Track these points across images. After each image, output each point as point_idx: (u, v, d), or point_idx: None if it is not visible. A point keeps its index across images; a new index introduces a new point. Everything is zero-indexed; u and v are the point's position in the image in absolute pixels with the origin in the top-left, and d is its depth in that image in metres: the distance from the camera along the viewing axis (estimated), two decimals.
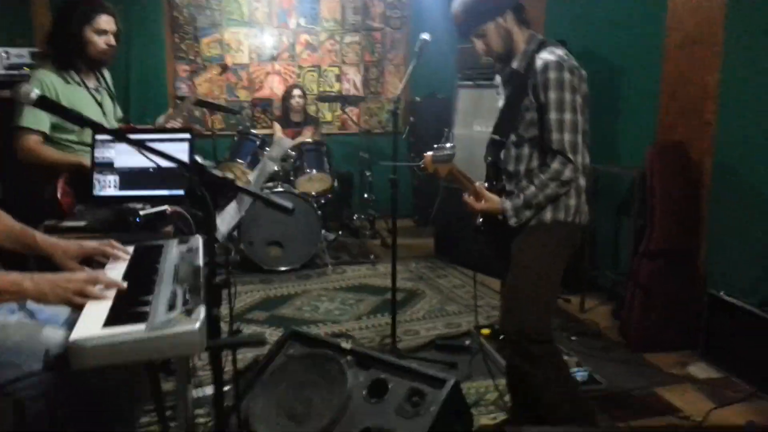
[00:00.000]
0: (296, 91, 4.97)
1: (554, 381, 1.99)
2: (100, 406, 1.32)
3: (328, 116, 5.65)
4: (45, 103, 1.32)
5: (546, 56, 1.92)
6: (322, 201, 4.54)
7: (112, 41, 2.41)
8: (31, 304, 1.44)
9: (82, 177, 2.22)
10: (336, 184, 4.63)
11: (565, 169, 1.90)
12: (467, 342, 3.08)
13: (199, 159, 1.17)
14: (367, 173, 5.07)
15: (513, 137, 2.01)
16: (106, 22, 2.37)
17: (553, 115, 1.90)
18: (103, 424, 1.34)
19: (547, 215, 1.99)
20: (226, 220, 1.65)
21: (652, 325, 3.00)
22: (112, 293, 1.27)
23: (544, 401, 2.01)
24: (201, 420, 2.28)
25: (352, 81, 5.66)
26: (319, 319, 3.44)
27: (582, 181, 1.99)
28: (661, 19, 3.25)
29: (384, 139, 5.53)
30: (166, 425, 1.71)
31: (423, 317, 3.48)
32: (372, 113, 5.76)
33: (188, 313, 1.07)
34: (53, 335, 1.31)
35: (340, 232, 4.99)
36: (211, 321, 1.12)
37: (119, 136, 1.34)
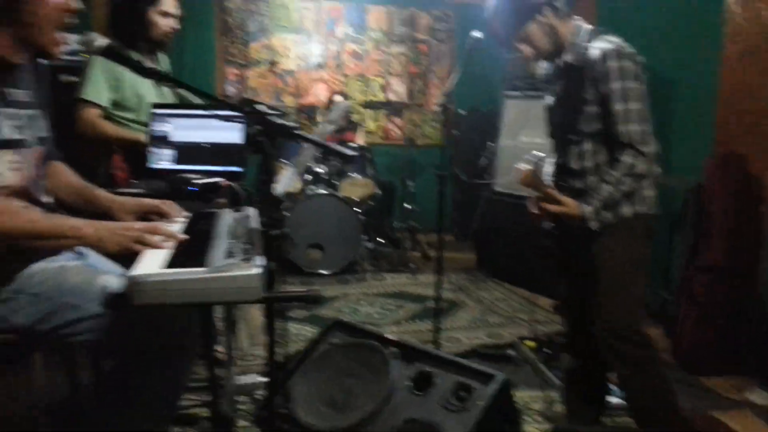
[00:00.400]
0: (338, 98, 5.00)
1: (656, 387, 1.92)
2: (150, 355, 1.29)
3: (372, 126, 5.66)
4: (112, 52, 1.32)
5: (602, 45, 1.84)
6: (364, 207, 4.52)
7: (175, 24, 2.47)
8: (88, 257, 1.43)
9: (137, 154, 2.25)
10: (378, 191, 4.61)
11: (638, 162, 1.81)
12: (511, 352, 2.97)
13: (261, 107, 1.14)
14: (410, 183, 5.03)
15: (573, 134, 1.92)
16: (170, 4, 2.42)
17: (618, 106, 1.81)
18: (151, 372, 1.31)
19: (626, 210, 1.90)
20: (284, 181, 1.63)
21: (707, 345, 2.83)
22: (169, 245, 1.24)
23: (640, 407, 1.94)
24: (243, 407, 2.25)
25: (397, 91, 5.67)
26: (358, 321, 3.38)
27: (656, 169, 1.89)
28: (718, 30, 3.15)
29: (427, 151, 5.50)
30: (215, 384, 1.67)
31: (464, 326, 3.40)
32: (415, 124, 5.74)
33: (248, 259, 1.04)
34: (110, 280, 1.30)
35: (380, 241, 4.95)
36: (268, 274, 1.07)
37: (191, 90, 1.33)
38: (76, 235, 1.24)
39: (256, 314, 3.38)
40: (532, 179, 1.89)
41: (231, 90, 5.22)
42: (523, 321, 3.44)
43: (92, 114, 2.31)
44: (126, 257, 1.31)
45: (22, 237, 1.24)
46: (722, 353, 2.81)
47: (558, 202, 1.88)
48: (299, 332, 3.13)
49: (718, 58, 3.16)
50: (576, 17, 1.96)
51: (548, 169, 2.09)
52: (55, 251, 1.39)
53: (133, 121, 2.40)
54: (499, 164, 4.30)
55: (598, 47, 1.84)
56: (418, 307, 3.66)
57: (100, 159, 2.20)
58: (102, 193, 1.57)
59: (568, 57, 1.92)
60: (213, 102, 1.41)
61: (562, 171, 2.00)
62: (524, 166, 1.88)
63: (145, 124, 2.33)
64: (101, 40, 1.30)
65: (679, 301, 3.03)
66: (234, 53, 5.24)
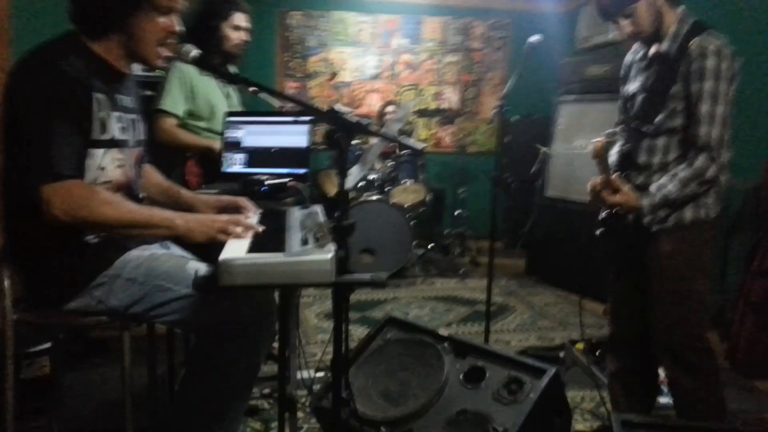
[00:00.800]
0: (390, 108, 5.13)
1: (708, 395, 1.92)
2: (231, 338, 1.44)
3: (424, 134, 5.77)
4: (201, 61, 1.49)
5: (704, 41, 1.77)
6: (415, 214, 4.61)
7: (246, 36, 2.65)
8: (174, 248, 1.60)
9: (209, 160, 2.44)
10: (429, 197, 4.70)
11: (709, 168, 1.76)
12: (561, 354, 3.00)
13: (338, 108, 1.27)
14: (460, 190, 5.11)
15: (649, 127, 1.87)
16: (241, 18, 2.60)
17: (705, 107, 1.75)
18: (232, 355, 1.45)
19: (687, 215, 1.86)
20: (351, 176, 1.75)
21: (764, 349, 2.79)
22: (249, 235, 1.39)
23: (689, 411, 1.94)
24: (302, 401, 2.37)
25: (449, 100, 5.77)
26: None
27: (723, 177, 1.84)
28: None
29: (478, 158, 5.57)
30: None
31: (515, 329, 3.44)
32: (468, 132, 5.82)
33: (321, 246, 1.17)
34: (198, 266, 1.46)
35: (430, 247, 5.04)
36: (339, 260, 1.19)
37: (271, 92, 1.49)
38: (168, 225, 1.41)
39: (309, 315, 3.53)
40: (603, 156, 1.84)
41: (289, 103, 5.44)
42: (573, 324, 3.45)
43: (170, 123, 2.51)
44: (204, 250, 1.47)
45: (122, 225, 1.42)
46: None
47: (617, 190, 1.83)
48: (352, 333, 3.25)
49: None
50: (683, 7, 1.88)
51: (612, 158, 2.02)
52: (148, 239, 1.56)
53: (206, 129, 2.59)
54: (552, 170, 4.31)
55: (700, 42, 1.77)
56: (467, 310, 3.72)
57: (175, 164, 2.39)
58: (185, 192, 1.76)
59: (664, 46, 1.85)
60: (295, 105, 1.56)
61: (626, 163, 1.95)
62: (599, 140, 1.83)
63: (217, 132, 2.52)
64: (195, 51, 1.47)
65: (735, 304, 2.99)
66: (293, 67, 5.47)
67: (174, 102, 2.50)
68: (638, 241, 1.94)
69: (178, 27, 1.54)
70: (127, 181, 1.58)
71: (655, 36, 1.86)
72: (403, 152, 4.65)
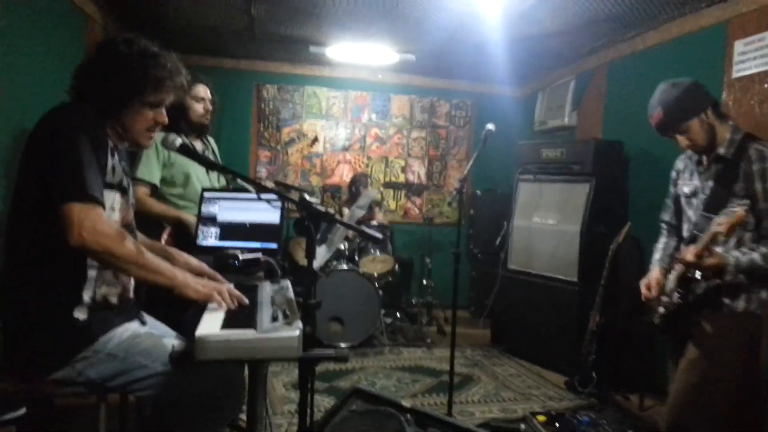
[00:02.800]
0: (362, 187, 5.27)
1: None
2: (199, 409, 1.50)
3: (392, 205, 5.97)
4: (185, 149, 1.62)
5: (762, 147, 2.09)
6: (383, 283, 4.72)
7: (209, 106, 2.82)
8: (148, 321, 1.68)
9: (183, 232, 2.53)
10: (397, 267, 4.82)
11: None
12: (522, 426, 3.06)
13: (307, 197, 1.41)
14: (427, 260, 5.25)
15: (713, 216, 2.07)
16: (202, 90, 2.80)
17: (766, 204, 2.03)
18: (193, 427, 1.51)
19: (741, 304, 2.08)
20: (318, 257, 1.86)
21: None
22: (235, 304, 1.49)
23: None
24: None
25: (417, 173, 6.01)
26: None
27: None
28: None
29: (445, 229, 5.77)
30: None
31: (478, 401, 3.50)
32: (434, 204, 6.04)
33: (289, 323, 1.27)
34: (172, 342, 1.54)
35: (397, 315, 5.11)
36: (305, 336, 1.29)
37: (245, 180, 1.65)
38: (169, 276, 1.51)
39: (277, 385, 3.54)
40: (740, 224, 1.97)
41: (262, 171, 5.61)
42: (535, 396, 3.54)
43: (142, 192, 2.62)
44: (175, 315, 1.56)
45: (131, 263, 1.50)
46: None
47: (711, 254, 2.02)
48: (319, 403, 3.27)
49: None
50: (731, 121, 2.21)
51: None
52: (148, 285, 1.64)
53: (179, 196, 2.70)
54: (513, 243, 4.50)
55: (758, 148, 2.09)
56: (433, 380, 3.78)
57: (150, 234, 2.48)
58: (170, 248, 1.88)
59: (721, 151, 2.15)
60: (263, 189, 1.70)
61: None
62: (741, 210, 1.95)
63: (190, 200, 2.64)
64: (179, 140, 1.61)
65: None
66: (267, 137, 5.68)
67: (149, 170, 2.61)
68: (695, 324, 2.13)
69: (162, 118, 1.69)
70: (126, 225, 1.69)
71: (711, 146, 2.16)
72: (373, 223, 4.81)
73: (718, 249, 2.07)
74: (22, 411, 2.17)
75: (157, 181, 2.67)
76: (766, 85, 3.08)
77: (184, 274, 1.57)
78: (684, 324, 2.20)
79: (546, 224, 4.23)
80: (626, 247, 3.60)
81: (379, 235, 1.56)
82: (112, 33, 4.25)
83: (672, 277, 2.22)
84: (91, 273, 1.56)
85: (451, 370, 3.04)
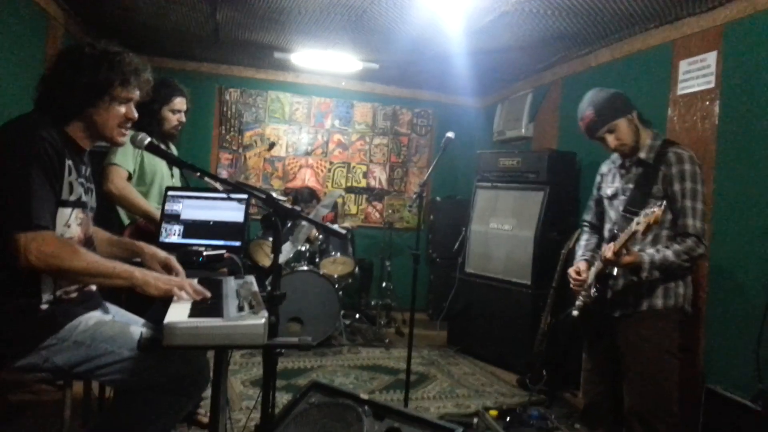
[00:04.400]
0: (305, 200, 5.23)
1: None
2: (164, 393, 1.56)
3: (354, 209, 6.06)
4: (152, 147, 1.68)
5: (679, 150, 2.25)
6: (343, 285, 4.80)
7: (183, 119, 2.85)
8: (111, 309, 1.73)
9: (143, 232, 2.57)
10: (357, 270, 4.91)
11: (698, 248, 2.16)
12: (475, 420, 3.19)
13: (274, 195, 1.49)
14: (387, 263, 5.36)
15: (634, 222, 2.18)
16: (180, 102, 2.82)
17: (688, 203, 2.19)
18: (154, 412, 1.57)
19: (659, 302, 2.23)
20: (283, 252, 1.93)
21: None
22: (198, 298, 1.55)
23: None
24: None
25: (378, 178, 6.13)
26: None
27: (689, 274, 2.25)
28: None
29: (405, 233, 5.90)
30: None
31: (434, 397, 3.61)
32: (395, 209, 6.17)
33: (255, 312, 1.34)
34: (138, 328, 1.59)
35: (357, 316, 5.20)
36: (270, 325, 1.37)
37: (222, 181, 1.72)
38: (128, 277, 1.56)
39: (235, 382, 3.57)
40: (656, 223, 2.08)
41: (223, 173, 5.62)
42: (488, 393, 3.68)
43: (122, 176, 2.63)
44: (141, 308, 1.61)
45: (88, 274, 1.56)
46: None
47: (628, 252, 2.17)
48: (278, 399, 3.31)
49: None
50: (653, 128, 2.37)
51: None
52: (106, 290, 1.68)
53: (143, 193, 2.73)
54: (471, 248, 4.66)
55: (675, 151, 2.24)
56: (391, 378, 3.88)
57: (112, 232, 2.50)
58: (138, 242, 1.91)
59: (642, 155, 2.31)
60: (230, 187, 1.77)
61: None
62: (658, 210, 2.04)
63: (153, 200, 2.67)
64: (147, 139, 1.67)
65: None
66: (229, 140, 5.70)
67: (126, 159, 2.64)
68: (612, 324, 2.29)
69: (133, 113, 1.75)
70: (86, 237, 1.73)
71: (635, 148, 2.33)
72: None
73: (636, 247, 2.23)
74: None
75: (132, 170, 2.69)
76: (707, 103, 3.31)
77: (143, 272, 1.61)
78: (601, 320, 2.36)
79: (502, 230, 4.40)
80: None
81: (342, 231, 1.66)
82: (74, 34, 4.22)
83: (591, 272, 2.39)
84: (47, 277, 1.61)
85: (408, 367, 3.14)
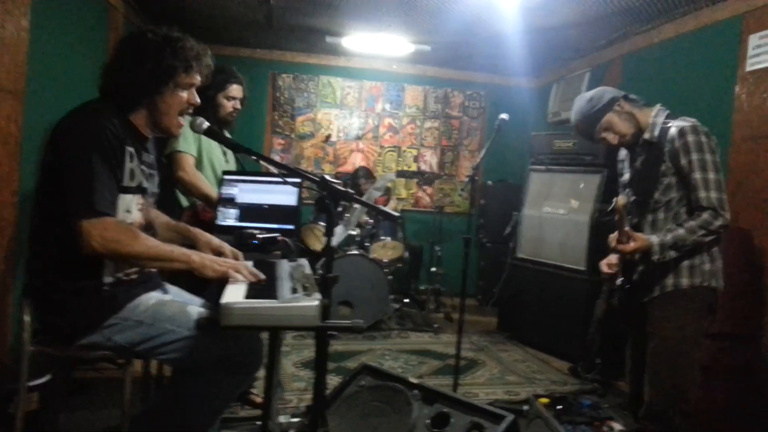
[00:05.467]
0: (362, 180, 5.18)
1: None
2: (221, 371, 1.61)
3: (404, 193, 6.05)
4: (211, 131, 1.72)
5: (679, 123, 2.12)
6: (393, 269, 4.81)
7: (238, 105, 2.89)
8: (170, 289, 1.79)
9: (199, 217, 2.64)
10: (407, 254, 4.91)
11: (716, 221, 2.02)
12: (525, 408, 3.15)
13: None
14: (437, 248, 5.34)
15: (650, 203, 2.16)
16: (236, 90, 2.85)
17: (697, 175, 2.06)
18: (212, 391, 1.62)
19: (684, 281, 2.11)
20: (336, 235, 1.95)
21: (713, 409, 2.98)
22: (253, 280, 1.59)
23: None
24: None
25: (429, 162, 6.09)
26: None
27: (716, 247, 2.12)
28: (728, 117, 3.47)
29: (455, 218, 5.85)
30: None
31: (483, 383, 3.59)
32: (445, 193, 6.12)
33: (308, 294, 1.36)
34: (196, 309, 1.65)
35: (406, 301, 5.21)
36: (323, 307, 1.39)
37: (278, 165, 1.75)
38: (186, 261, 1.61)
39: (287, 364, 3.66)
40: (624, 210, 2.08)
41: (276, 158, 5.71)
42: (539, 380, 3.63)
43: (191, 162, 2.71)
44: (197, 290, 1.66)
45: (148, 258, 1.62)
46: (728, 415, 2.95)
47: (631, 239, 2.08)
48: (328, 381, 3.34)
49: (728, 141, 3.46)
50: (656, 105, 2.26)
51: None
52: (166, 272, 1.74)
53: None
54: (523, 232, 4.57)
55: (676, 125, 2.12)
56: (440, 363, 3.88)
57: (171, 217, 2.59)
58: (193, 228, 1.97)
59: (646, 135, 2.20)
60: (284, 170, 1.79)
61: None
62: (622, 197, 2.09)
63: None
64: (206, 123, 1.70)
65: None
66: (282, 125, 5.77)
67: (188, 145, 2.71)
68: (643, 307, 2.19)
69: (196, 99, 1.78)
70: (147, 222, 1.79)
71: (638, 133, 2.22)
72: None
73: (652, 229, 2.12)
74: (47, 377, 2.30)
75: (195, 155, 2.75)
76: None
77: (200, 255, 1.65)
78: (634, 308, 2.25)
79: (556, 214, 4.29)
80: None
81: (396, 214, 1.66)
82: (133, 23, 4.35)
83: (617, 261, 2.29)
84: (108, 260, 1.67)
85: (458, 353, 3.13)
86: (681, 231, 2.04)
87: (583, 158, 4.20)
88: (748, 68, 3.32)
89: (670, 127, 2.13)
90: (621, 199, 2.05)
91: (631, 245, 2.08)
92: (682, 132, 2.08)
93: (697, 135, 2.08)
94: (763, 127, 3.22)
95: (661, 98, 2.35)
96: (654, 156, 2.16)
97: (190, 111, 1.80)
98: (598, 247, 3.91)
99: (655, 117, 2.20)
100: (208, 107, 2.76)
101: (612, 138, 2.24)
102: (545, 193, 4.44)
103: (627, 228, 2.11)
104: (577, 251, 4.07)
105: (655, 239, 2.06)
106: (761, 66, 3.24)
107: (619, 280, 2.25)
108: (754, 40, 3.30)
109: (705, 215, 2.04)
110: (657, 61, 4.17)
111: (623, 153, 2.42)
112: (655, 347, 2.14)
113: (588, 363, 3.54)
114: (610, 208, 2.07)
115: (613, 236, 2.15)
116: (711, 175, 2.05)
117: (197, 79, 1.77)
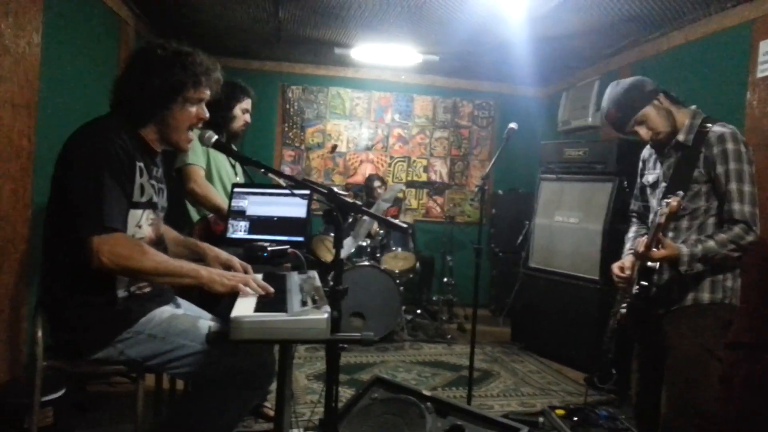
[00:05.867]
0: (376, 183, 5.31)
1: None
2: (230, 388, 1.60)
3: (414, 203, 6.04)
4: (219, 145, 1.72)
5: (720, 129, 1.99)
6: (404, 280, 4.79)
7: (249, 119, 2.91)
8: (182, 304, 1.79)
9: (211, 230, 2.65)
10: (418, 265, 4.89)
11: (747, 236, 1.92)
12: (540, 419, 3.11)
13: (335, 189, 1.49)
14: (449, 258, 5.31)
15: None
16: (249, 103, 2.88)
17: (734, 186, 1.94)
18: (224, 404, 1.61)
19: (705, 296, 2.01)
20: (344, 247, 1.94)
21: (734, 418, 2.93)
22: (262, 293, 1.58)
23: None
24: None
25: (439, 172, 6.08)
26: None
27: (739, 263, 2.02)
28: (740, 123, 3.43)
29: (466, 228, 5.82)
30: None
31: (497, 395, 3.55)
32: (456, 203, 6.10)
33: (318, 307, 1.35)
34: (207, 322, 1.64)
35: (418, 312, 5.18)
36: (333, 320, 1.38)
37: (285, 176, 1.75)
38: (195, 276, 1.61)
39: (299, 376, 3.64)
40: (673, 215, 1.91)
41: (286, 170, 5.73)
42: (554, 392, 3.58)
43: (202, 174, 2.73)
44: (209, 304, 1.65)
45: (157, 274, 1.61)
46: (749, 424, 2.90)
47: (661, 245, 1.94)
48: (340, 394, 3.32)
49: None
50: (694, 106, 2.14)
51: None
52: (175, 287, 1.74)
53: None
54: (535, 242, 4.54)
55: (716, 130, 2.00)
56: (453, 375, 3.84)
57: (181, 229, 2.60)
58: (202, 243, 1.97)
59: (681, 137, 2.07)
60: (292, 182, 1.79)
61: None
62: (675, 198, 1.89)
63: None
64: (215, 136, 1.71)
65: None
66: (291, 137, 5.80)
67: (198, 157, 2.73)
68: (657, 323, 2.10)
69: (205, 114, 1.79)
70: (157, 237, 1.79)
71: (672, 133, 2.10)
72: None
73: (680, 239, 2.02)
74: (62, 392, 2.31)
75: (205, 166, 2.77)
76: None
77: (209, 270, 1.65)
78: (646, 319, 2.15)
79: (568, 223, 4.26)
80: None
81: (405, 225, 1.65)
82: (144, 36, 4.41)
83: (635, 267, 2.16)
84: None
85: (471, 364, 3.10)
86: (711, 243, 1.93)
87: (594, 167, 4.17)
88: (759, 75, 3.28)
89: (707, 131, 2.01)
90: (674, 201, 1.89)
91: (662, 251, 1.95)
92: (721, 138, 1.97)
93: (737, 143, 1.96)
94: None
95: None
96: (686, 160, 2.04)
97: (200, 126, 1.80)
98: (611, 256, 3.88)
99: (692, 119, 2.08)
100: (222, 119, 2.77)
101: (645, 133, 2.10)
102: (556, 202, 4.41)
103: (661, 234, 1.96)
104: (590, 260, 4.03)
105: (685, 249, 1.94)
106: None
107: (635, 289, 2.16)
108: (764, 46, 3.27)
109: (737, 229, 1.94)
110: (666, 68, 4.14)
111: (647, 152, 2.31)
112: (671, 363, 2.06)
113: (604, 373, 3.48)
114: (662, 213, 1.89)
115: (643, 240, 2.02)
116: (747, 188, 1.95)
117: (206, 93, 1.77)
